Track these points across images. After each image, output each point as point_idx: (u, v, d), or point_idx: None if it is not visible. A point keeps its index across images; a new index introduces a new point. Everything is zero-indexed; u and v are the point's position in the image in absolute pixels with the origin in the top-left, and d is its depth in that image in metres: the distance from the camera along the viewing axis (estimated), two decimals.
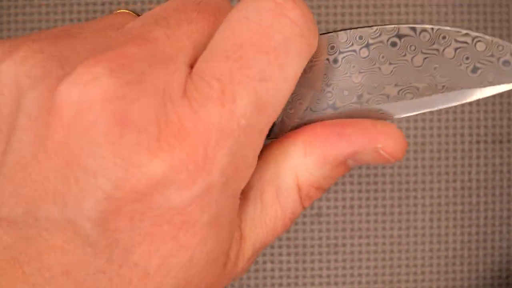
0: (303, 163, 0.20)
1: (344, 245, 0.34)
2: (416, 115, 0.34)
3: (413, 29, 0.20)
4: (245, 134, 0.18)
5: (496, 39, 0.20)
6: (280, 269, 0.34)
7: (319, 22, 0.34)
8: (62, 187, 0.17)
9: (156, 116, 0.17)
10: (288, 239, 0.34)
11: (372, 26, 0.21)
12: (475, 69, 0.20)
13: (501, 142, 0.34)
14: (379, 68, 0.21)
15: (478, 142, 0.34)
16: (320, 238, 0.34)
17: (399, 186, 0.34)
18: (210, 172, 0.17)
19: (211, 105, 0.17)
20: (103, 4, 0.34)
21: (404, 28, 0.21)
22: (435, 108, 0.21)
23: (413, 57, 0.21)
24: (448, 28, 0.20)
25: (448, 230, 0.34)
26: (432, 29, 0.20)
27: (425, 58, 0.21)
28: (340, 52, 0.21)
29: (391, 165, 0.34)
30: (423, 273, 0.34)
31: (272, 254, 0.34)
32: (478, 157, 0.34)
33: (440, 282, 0.34)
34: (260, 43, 0.18)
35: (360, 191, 0.34)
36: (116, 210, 0.17)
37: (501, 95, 0.34)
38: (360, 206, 0.34)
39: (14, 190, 0.18)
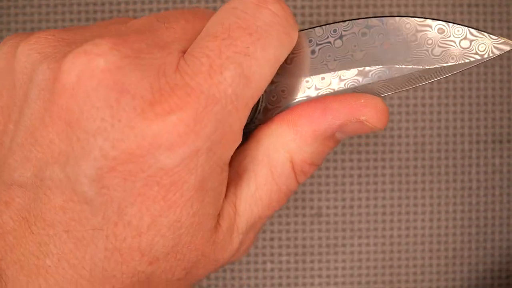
0: (293, 140, 0.22)
1: (344, 245, 0.34)
2: (416, 114, 0.34)
3: (381, 20, 0.23)
4: (232, 103, 0.19)
5: (454, 24, 0.23)
6: (280, 269, 0.34)
7: (318, 22, 0.34)
8: (66, 147, 0.19)
9: (150, 85, 0.19)
10: (288, 239, 0.34)
11: (344, 20, 0.23)
12: (437, 50, 0.23)
13: (501, 142, 0.34)
14: (352, 55, 0.23)
15: (478, 142, 0.34)
16: (320, 238, 0.34)
17: (399, 186, 0.34)
18: (198, 135, 0.19)
19: (200, 76, 0.19)
20: (103, 4, 0.34)
21: (373, 20, 0.23)
22: (406, 88, 0.23)
23: (381, 43, 0.23)
24: (411, 17, 0.23)
25: (448, 230, 0.34)
26: (398, 18, 0.23)
27: (392, 44, 0.23)
28: (317, 44, 0.23)
29: (391, 165, 0.34)
30: (423, 273, 0.34)
31: (272, 254, 0.34)
32: (478, 157, 0.34)
33: (440, 282, 0.34)
34: (245, 26, 0.20)
35: (360, 191, 0.34)
36: (111, 169, 0.19)
37: (501, 95, 0.34)
38: (360, 206, 0.34)
39: (25, 156, 0.20)
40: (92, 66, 0.18)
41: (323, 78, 0.23)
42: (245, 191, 0.22)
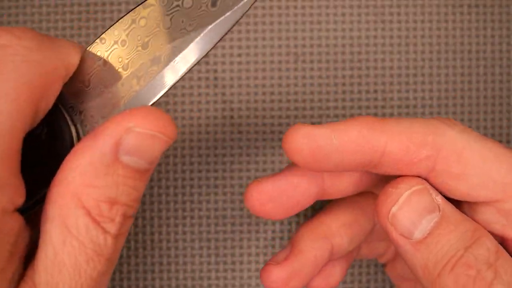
0: (79, 182, 0.19)
1: None
2: (416, 115, 0.34)
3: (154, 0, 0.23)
4: None
5: None
6: None
7: (319, 23, 0.34)
8: None
9: None
10: (290, 238, 0.34)
11: (121, 18, 0.23)
12: (214, 3, 0.22)
13: (500, 142, 0.34)
14: (141, 48, 0.23)
15: None
16: None
17: None
18: None
19: None
20: (103, 4, 0.34)
21: (144, 4, 0.23)
22: (205, 53, 0.23)
23: (161, 23, 0.23)
24: None
25: None
26: None
27: (171, 18, 0.23)
28: (106, 52, 0.23)
29: None
30: None
31: (273, 254, 0.34)
32: None
33: None
34: None
35: None
36: None
37: (500, 95, 0.34)
38: None
39: None
40: None
41: (122, 85, 0.23)
42: (43, 259, 0.19)
